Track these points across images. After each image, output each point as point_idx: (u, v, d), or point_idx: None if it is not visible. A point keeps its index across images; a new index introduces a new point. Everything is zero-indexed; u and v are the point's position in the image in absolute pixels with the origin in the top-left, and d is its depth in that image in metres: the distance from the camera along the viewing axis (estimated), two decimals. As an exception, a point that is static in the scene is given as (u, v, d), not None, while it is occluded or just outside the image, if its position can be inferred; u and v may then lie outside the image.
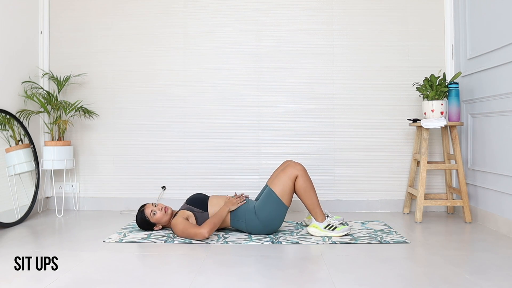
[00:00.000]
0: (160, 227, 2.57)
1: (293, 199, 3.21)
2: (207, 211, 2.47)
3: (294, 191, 2.46)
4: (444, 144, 3.07)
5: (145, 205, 2.59)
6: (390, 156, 3.24)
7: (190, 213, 2.46)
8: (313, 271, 1.87)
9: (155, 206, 2.56)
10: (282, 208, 2.42)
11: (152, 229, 2.58)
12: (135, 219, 2.81)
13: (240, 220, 2.46)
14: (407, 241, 2.33)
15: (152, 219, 2.53)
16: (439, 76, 2.89)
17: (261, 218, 2.42)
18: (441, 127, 2.81)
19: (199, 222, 2.45)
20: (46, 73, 3.28)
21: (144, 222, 2.55)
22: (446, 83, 2.88)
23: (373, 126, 3.24)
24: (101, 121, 3.36)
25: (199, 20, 3.31)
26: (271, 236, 2.46)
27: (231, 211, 2.47)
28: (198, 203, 2.50)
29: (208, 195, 2.65)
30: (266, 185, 2.66)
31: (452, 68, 3.17)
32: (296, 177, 2.41)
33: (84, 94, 3.37)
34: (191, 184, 3.29)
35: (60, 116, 3.21)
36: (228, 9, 3.30)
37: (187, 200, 2.56)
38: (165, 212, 2.54)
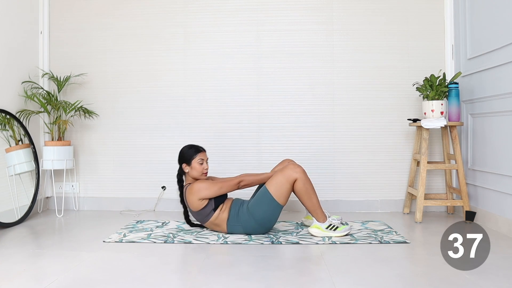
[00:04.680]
0: (187, 170, 2.52)
1: (293, 199, 3.21)
2: (214, 211, 2.46)
3: (294, 193, 2.46)
4: (444, 144, 3.07)
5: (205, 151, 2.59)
6: (390, 156, 3.24)
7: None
8: (313, 271, 1.87)
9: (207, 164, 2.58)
10: (277, 207, 2.42)
11: (181, 163, 2.54)
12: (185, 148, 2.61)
13: (235, 225, 2.46)
14: (407, 241, 2.33)
15: (194, 161, 2.51)
16: (439, 76, 2.89)
17: (256, 217, 2.42)
18: (441, 127, 2.81)
19: (204, 211, 2.44)
20: (46, 73, 3.28)
21: (191, 151, 2.53)
22: (446, 83, 2.88)
23: (373, 126, 3.24)
24: (101, 121, 3.36)
25: (199, 20, 3.31)
26: (271, 236, 2.46)
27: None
28: (219, 198, 2.48)
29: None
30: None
31: (452, 68, 3.17)
32: (295, 180, 2.40)
33: (84, 94, 3.37)
34: (191, 184, 3.29)
35: (60, 116, 3.21)
36: (228, 9, 3.30)
37: None
38: (205, 173, 2.54)
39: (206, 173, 2.56)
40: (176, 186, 3.30)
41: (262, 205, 2.41)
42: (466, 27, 2.96)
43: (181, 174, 2.60)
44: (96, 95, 3.36)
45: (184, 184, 2.59)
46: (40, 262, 2.00)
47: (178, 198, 3.27)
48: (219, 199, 2.48)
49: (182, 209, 3.26)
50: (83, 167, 3.38)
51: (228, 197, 2.60)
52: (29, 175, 3.09)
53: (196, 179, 2.54)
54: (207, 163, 2.56)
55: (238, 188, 2.49)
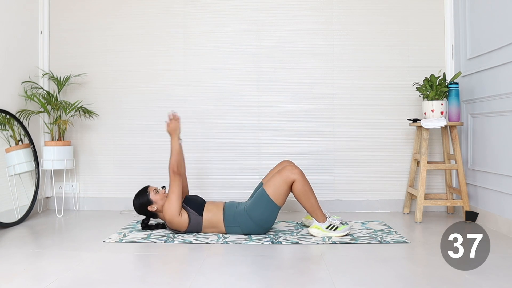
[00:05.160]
0: (155, 208, 2.52)
1: (293, 199, 3.21)
2: (202, 216, 2.47)
3: (293, 194, 2.46)
4: (444, 144, 3.07)
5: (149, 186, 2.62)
6: (390, 156, 3.24)
7: (184, 210, 2.47)
8: (313, 271, 1.87)
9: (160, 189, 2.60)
10: (274, 208, 2.42)
11: (145, 209, 2.53)
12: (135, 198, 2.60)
13: (233, 226, 2.46)
14: (407, 241, 2.33)
15: (152, 196, 2.52)
16: (439, 76, 2.89)
17: (254, 218, 2.42)
18: (441, 127, 2.81)
19: (193, 223, 2.46)
20: (46, 73, 3.28)
21: (142, 195, 2.53)
22: (446, 83, 2.88)
23: (373, 126, 3.24)
24: (101, 121, 3.36)
25: (199, 20, 3.31)
26: (271, 236, 2.46)
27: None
28: (195, 204, 2.50)
29: (205, 200, 2.64)
30: (261, 183, 2.67)
31: (452, 68, 3.17)
32: (293, 182, 2.40)
33: (84, 94, 3.37)
34: (191, 184, 3.29)
35: (60, 116, 3.21)
36: (228, 9, 3.30)
37: (184, 199, 2.56)
38: (167, 194, 2.54)
39: (167, 194, 2.56)
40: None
41: (260, 206, 2.41)
42: (466, 27, 2.96)
43: (146, 223, 2.60)
44: (96, 95, 3.36)
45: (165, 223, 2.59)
46: (40, 262, 2.00)
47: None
48: (194, 204, 2.49)
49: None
50: (83, 167, 3.38)
51: (208, 200, 2.60)
52: (29, 175, 3.09)
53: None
54: (159, 189, 2.59)
55: (180, 174, 2.46)
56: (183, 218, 2.45)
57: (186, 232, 2.51)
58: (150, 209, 2.53)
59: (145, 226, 2.61)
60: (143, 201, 2.53)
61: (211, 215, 2.47)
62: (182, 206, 2.49)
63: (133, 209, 3.29)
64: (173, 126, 2.53)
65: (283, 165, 2.68)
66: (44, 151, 3.09)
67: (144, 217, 2.95)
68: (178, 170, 2.46)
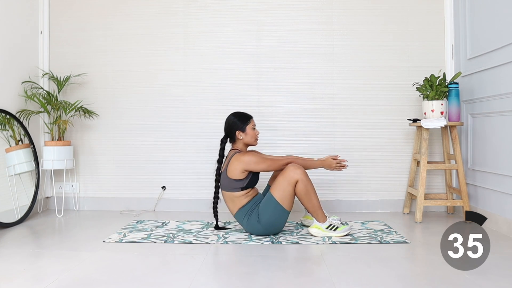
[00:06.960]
0: (241, 137, 2.52)
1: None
2: (242, 190, 2.45)
3: (295, 194, 2.45)
4: (444, 144, 3.07)
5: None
6: (390, 156, 3.23)
7: (247, 176, 2.46)
8: (313, 271, 1.87)
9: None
10: (283, 213, 2.42)
11: (233, 130, 2.53)
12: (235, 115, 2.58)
13: (243, 216, 2.45)
14: (407, 241, 2.33)
15: (248, 128, 2.52)
16: (439, 76, 2.89)
17: (262, 221, 2.41)
18: (441, 127, 2.81)
19: (234, 184, 2.44)
20: (46, 73, 3.28)
21: (242, 119, 2.53)
22: (446, 83, 2.88)
23: (373, 126, 3.24)
24: (101, 121, 3.36)
25: (199, 20, 3.31)
26: (271, 236, 2.46)
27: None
28: (253, 181, 2.49)
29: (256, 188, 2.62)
30: (268, 186, 2.67)
31: (452, 68, 3.17)
32: (297, 182, 2.40)
33: (84, 94, 3.37)
34: (191, 184, 3.29)
35: (60, 116, 3.21)
36: (228, 9, 3.30)
37: (257, 173, 2.54)
38: (257, 139, 2.57)
39: (257, 138, 2.59)
40: (176, 186, 3.30)
41: (268, 210, 2.40)
42: (466, 27, 2.96)
43: (223, 148, 2.58)
44: (96, 95, 3.36)
45: (232, 149, 2.57)
46: (40, 262, 2.01)
47: (178, 198, 3.29)
48: (252, 182, 2.49)
49: (181, 209, 3.27)
50: (83, 167, 3.38)
51: (255, 186, 2.60)
52: (29, 175, 3.09)
53: (247, 145, 2.57)
54: (257, 129, 2.59)
55: (284, 166, 2.47)
56: (242, 174, 2.43)
57: (224, 175, 2.49)
58: (237, 134, 2.53)
59: (216, 202, 2.59)
60: (238, 124, 2.53)
61: (243, 196, 2.46)
62: (248, 176, 2.46)
63: (133, 210, 3.30)
64: (332, 164, 2.56)
65: (286, 160, 2.61)
66: (44, 151, 3.09)
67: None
68: (289, 164, 2.44)
